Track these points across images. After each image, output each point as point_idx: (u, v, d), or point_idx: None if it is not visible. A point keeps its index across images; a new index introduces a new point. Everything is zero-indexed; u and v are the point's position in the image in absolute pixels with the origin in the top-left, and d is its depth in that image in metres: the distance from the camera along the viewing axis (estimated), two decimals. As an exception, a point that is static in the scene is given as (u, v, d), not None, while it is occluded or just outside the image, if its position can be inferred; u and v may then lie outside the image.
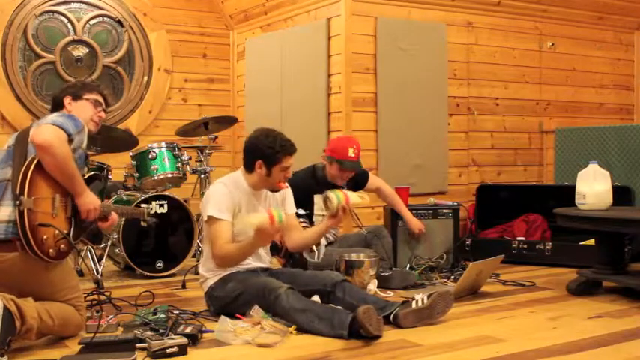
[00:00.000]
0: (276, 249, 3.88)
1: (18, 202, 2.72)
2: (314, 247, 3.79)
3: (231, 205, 3.27)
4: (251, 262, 3.39)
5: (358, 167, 4.18)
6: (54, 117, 2.91)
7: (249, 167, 3.35)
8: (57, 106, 3.19)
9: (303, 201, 3.93)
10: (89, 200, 2.96)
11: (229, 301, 3.24)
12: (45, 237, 2.78)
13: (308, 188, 4.09)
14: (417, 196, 5.13)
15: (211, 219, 3.23)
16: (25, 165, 2.80)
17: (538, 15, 6.08)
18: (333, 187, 4.20)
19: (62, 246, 2.85)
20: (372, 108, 5.30)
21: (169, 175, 4.70)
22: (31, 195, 2.74)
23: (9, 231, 2.75)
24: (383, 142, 5.30)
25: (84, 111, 3.16)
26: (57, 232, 2.82)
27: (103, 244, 4.57)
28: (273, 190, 3.41)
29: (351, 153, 4.11)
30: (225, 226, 3.22)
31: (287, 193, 3.56)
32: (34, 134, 2.80)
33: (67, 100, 3.18)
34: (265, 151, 3.27)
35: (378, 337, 2.90)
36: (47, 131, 2.76)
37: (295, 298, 3.05)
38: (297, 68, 5.65)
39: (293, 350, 2.79)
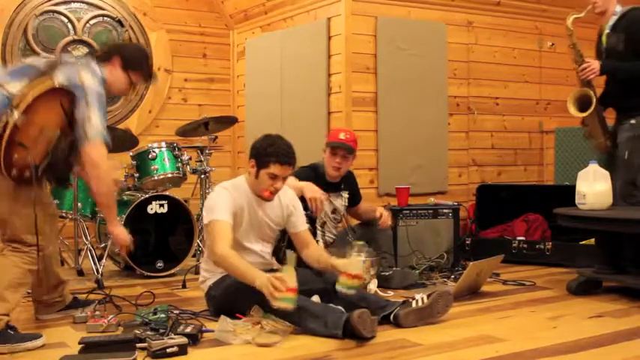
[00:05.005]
0: (277, 255, 3.90)
1: (9, 112, 2.75)
2: None
3: (232, 206, 3.24)
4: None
5: (347, 146, 4.15)
6: (96, 114, 2.93)
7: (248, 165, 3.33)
8: (102, 54, 3.19)
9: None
10: (121, 234, 3.20)
11: (225, 299, 3.23)
12: (16, 156, 2.80)
13: (314, 182, 4.06)
14: (417, 196, 5.12)
15: (212, 221, 3.19)
16: (38, 86, 2.84)
17: (538, 15, 6.08)
18: (331, 184, 4.23)
19: (27, 173, 2.84)
20: (372, 108, 5.30)
21: (169, 175, 4.69)
22: (26, 114, 2.77)
23: None
24: (383, 142, 5.30)
25: (121, 82, 3.19)
26: (28, 157, 2.80)
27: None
28: (261, 197, 3.31)
29: (342, 136, 4.18)
30: (224, 225, 3.18)
31: (296, 208, 3.46)
32: (88, 148, 2.92)
33: (116, 61, 3.17)
34: (259, 151, 3.24)
35: (371, 337, 2.90)
36: (98, 151, 2.95)
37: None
38: (297, 68, 5.65)
39: (293, 350, 2.79)
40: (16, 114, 2.75)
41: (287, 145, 3.26)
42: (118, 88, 3.22)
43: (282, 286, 2.81)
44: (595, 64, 4.15)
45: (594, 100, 4.18)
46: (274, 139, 3.26)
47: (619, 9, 4.23)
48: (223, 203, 3.22)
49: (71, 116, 2.95)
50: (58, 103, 2.89)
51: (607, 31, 4.27)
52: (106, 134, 2.99)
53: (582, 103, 4.26)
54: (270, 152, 3.20)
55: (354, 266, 3.10)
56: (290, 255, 2.95)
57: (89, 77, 2.98)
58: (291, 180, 3.65)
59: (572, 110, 4.29)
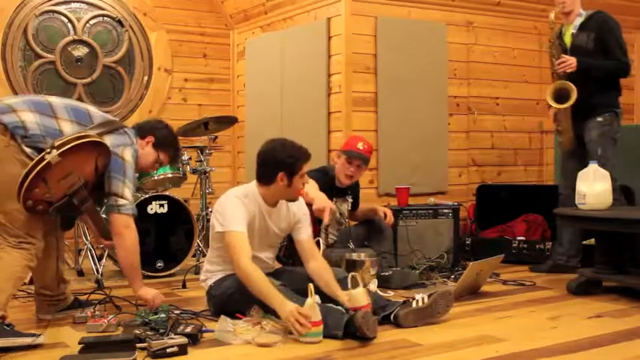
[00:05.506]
0: (281, 261, 3.89)
1: (49, 149, 2.90)
2: None
3: (247, 216, 3.23)
4: None
5: (363, 157, 4.20)
6: (128, 189, 3.19)
7: (268, 180, 3.24)
8: (139, 129, 3.40)
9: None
10: (146, 294, 3.28)
11: (225, 299, 3.24)
12: (37, 189, 2.90)
13: (324, 186, 4.07)
14: (417, 196, 5.13)
15: (227, 232, 3.17)
16: (81, 136, 3.00)
17: (538, 15, 6.08)
18: (338, 189, 4.25)
19: (40, 207, 2.96)
20: (372, 108, 5.30)
21: (169, 175, 4.69)
22: (63, 157, 2.90)
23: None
24: (383, 142, 5.30)
25: (148, 159, 3.41)
26: (47, 194, 2.94)
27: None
28: (292, 200, 3.33)
29: (359, 146, 4.22)
30: (243, 237, 3.16)
31: (303, 217, 3.44)
32: (116, 218, 3.16)
33: (150, 139, 3.39)
34: (286, 162, 3.19)
35: (373, 338, 2.91)
36: (125, 223, 3.19)
37: (288, 297, 3.03)
38: (297, 68, 5.65)
39: (293, 350, 2.79)
40: (54, 153, 2.89)
41: (296, 142, 3.31)
42: (144, 164, 3.43)
43: (307, 323, 2.86)
44: (573, 59, 4.27)
45: (574, 93, 4.25)
46: (285, 143, 3.27)
47: (583, 11, 4.44)
48: (239, 213, 3.20)
49: (100, 176, 3.15)
50: (95, 158, 3.07)
51: (573, 30, 4.42)
52: (134, 207, 3.24)
53: (559, 97, 4.35)
54: (296, 157, 3.22)
55: (359, 299, 3.11)
56: (310, 286, 2.96)
57: (129, 155, 3.22)
58: (311, 186, 3.70)
59: (552, 102, 4.37)
